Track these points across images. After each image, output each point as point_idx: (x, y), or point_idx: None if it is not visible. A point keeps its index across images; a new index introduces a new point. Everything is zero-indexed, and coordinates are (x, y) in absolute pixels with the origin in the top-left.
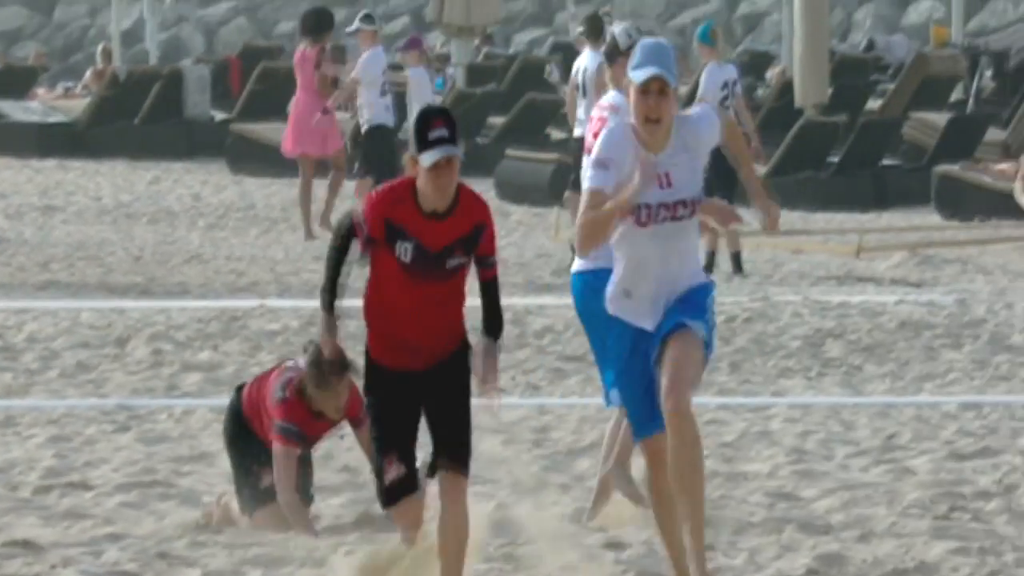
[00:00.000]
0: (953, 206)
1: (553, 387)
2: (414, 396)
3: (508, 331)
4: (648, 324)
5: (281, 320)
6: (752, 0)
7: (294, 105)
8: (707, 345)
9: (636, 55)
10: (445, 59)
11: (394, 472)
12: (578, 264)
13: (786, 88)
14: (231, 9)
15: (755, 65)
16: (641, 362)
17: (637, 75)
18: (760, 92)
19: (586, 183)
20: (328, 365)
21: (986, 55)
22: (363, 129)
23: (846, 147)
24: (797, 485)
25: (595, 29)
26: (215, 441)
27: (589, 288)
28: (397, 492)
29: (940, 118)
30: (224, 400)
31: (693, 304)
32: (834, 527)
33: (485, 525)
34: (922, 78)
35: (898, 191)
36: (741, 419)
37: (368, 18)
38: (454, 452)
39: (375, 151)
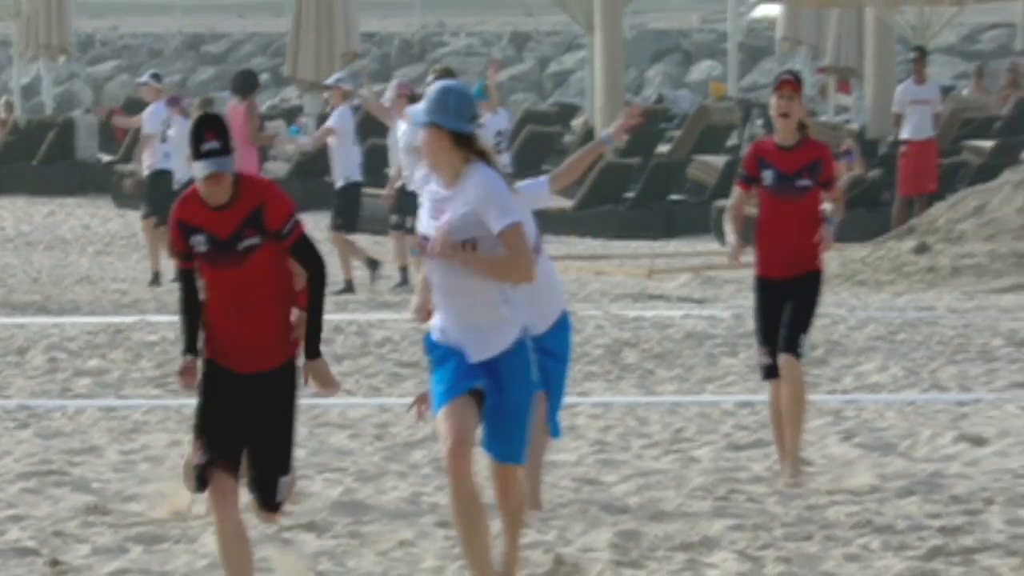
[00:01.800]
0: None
1: (392, 389)
2: (240, 401)
3: (352, 341)
4: (452, 345)
5: (159, 333)
6: (560, 60)
7: None
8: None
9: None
10: (299, 110)
11: (198, 459)
12: None
13: (589, 135)
14: (115, 67)
15: (563, 115)
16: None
17: None
18: (567, 138)
19: None
20: None
21: (756, 107)
22: (146, 174)
23: (640, 185)
24: (600, 472)
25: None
26: (103, 436)
27: None
28: (204, 480)
29: (719, 160)
30: (110, 401)
31: (512, 434)
32: (631, 507)
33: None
34: (703, 126)
35: (684, 222)
36: None
37: (155, 76)
38: (263, 498)
39: (156, 194)
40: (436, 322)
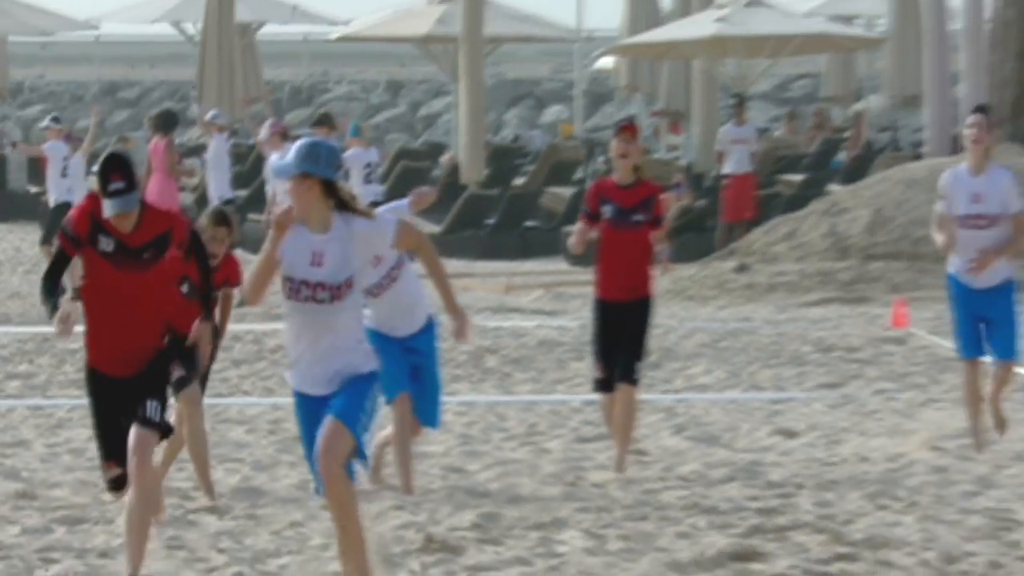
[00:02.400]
0: (576, 256)
1: (283, 390)
2: (123, 403)
3: (249, 348)
4: (311, 390)
5: (80, 341)
6: (429, 105)
7: (150, 187)
8: (361, 451)
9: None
10: (203, 147)
11: (112, 473)
12: None
13: (454, 169)
14: (42, 111)
15: (432, 152)
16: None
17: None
18: (436, 172)
19: None
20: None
21: (599, 146)
22: (51, 205)
23: (499, 213)
24: (464, 462)
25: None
26: (31, 431)
27: None
28: (118, 486)
29: (567, 191)
30: (37, 401)
31: (352, 402)
32: (492, 492)
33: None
34: (554, 162)
35: (537, 245)
36: None
37: (55, 119)
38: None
39: (59, 225)
40: (289, 359)
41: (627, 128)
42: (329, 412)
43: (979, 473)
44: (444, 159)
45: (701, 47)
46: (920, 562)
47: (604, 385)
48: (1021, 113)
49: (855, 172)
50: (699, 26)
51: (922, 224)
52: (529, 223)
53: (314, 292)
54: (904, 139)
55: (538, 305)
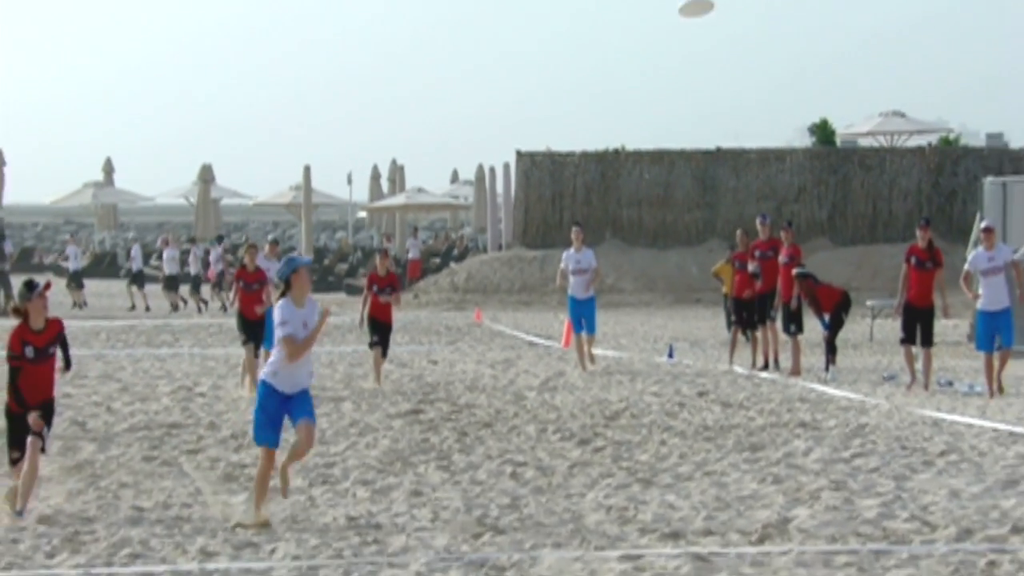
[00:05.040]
0: (349, 291)
1: None
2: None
3: None
4: (286, 391)
5: None
6: (290, 232)
7: None
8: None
9: None
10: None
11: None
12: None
13: None
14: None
15: (288, 251)
16: (276, 410)
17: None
18: None
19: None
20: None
21: (360, 248)
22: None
23: (317, 276)
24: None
25: None
26: None
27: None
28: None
29: (344, 266)
30: None
31: (310, 407)
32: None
33: None
34: (341, 254)
35: (334, 288)
36: None
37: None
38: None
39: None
40: (271, 369)
41: (384, 253)
42: (300, 414)
43: None
44: (294, 254)
45: (399, 208)
46: None
47: (376, 345)
48: (525, 236)
49: (461, 258)
50: (399, 199)
51: (497, 277)
52: (330, 278)
53: (309, 341)
54: (481, 245)
55: (336, 310)
